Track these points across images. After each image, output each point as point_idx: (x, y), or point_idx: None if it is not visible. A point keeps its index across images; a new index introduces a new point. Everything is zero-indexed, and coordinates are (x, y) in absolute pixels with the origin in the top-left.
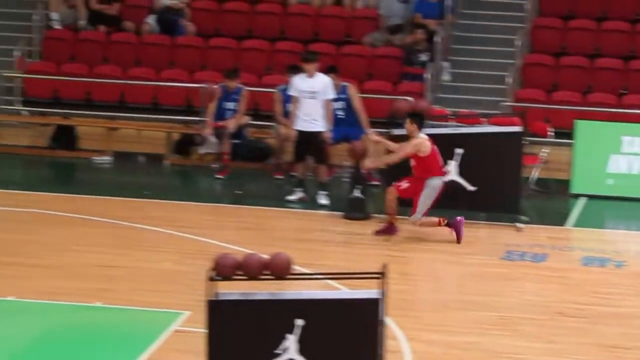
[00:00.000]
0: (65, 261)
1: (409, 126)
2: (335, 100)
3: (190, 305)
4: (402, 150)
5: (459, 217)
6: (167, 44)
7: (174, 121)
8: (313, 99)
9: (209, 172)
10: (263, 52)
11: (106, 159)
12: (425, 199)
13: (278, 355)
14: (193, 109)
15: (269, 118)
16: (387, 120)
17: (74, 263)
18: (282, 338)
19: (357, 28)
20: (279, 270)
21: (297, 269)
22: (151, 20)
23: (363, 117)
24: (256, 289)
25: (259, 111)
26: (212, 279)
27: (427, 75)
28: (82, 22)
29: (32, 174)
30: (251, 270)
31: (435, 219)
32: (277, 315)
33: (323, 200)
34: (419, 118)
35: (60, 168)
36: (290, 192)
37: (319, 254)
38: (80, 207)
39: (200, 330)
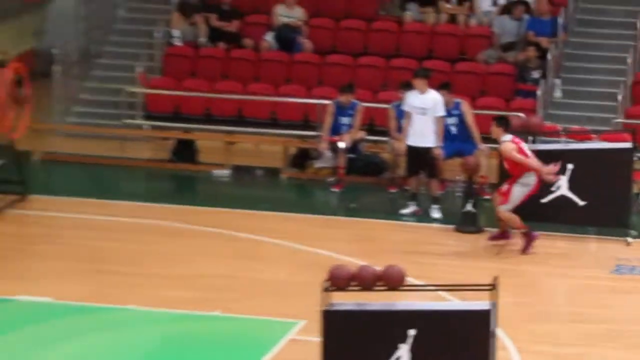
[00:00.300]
0: (184, 271)
1: (496, 129)
2: (449, 116)
3: (305, 315)
4: (526, 161)
5: (536, 233)
6: (285, 60)
7: (290, 136)
8: (424, 115)
9: (324, 185)
10: (378, 69)
11: (225, 172)
12: (519, 192)
13: None
14: (310, 124)
15: (384, 133)
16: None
17: (193, 273)
18: (394, 347)
19: (471, 45)
20: (392, 281)
21: (410, 280)
22: (269, 37)
23: (475, 133)
24: (370, 299)
25: (374, 126)
26: (327, 290)
27: (539, 92)
28: (202, 39)
29: (154, 186)
30: (365, 281)
31: (519, 222)
32: (390, 325)
33: (436, 213)
34: (505, 121)
35: (180, 181)
36: (404, 206)
37: (432, 266)
38: (199, 219)
39: (315, 339)
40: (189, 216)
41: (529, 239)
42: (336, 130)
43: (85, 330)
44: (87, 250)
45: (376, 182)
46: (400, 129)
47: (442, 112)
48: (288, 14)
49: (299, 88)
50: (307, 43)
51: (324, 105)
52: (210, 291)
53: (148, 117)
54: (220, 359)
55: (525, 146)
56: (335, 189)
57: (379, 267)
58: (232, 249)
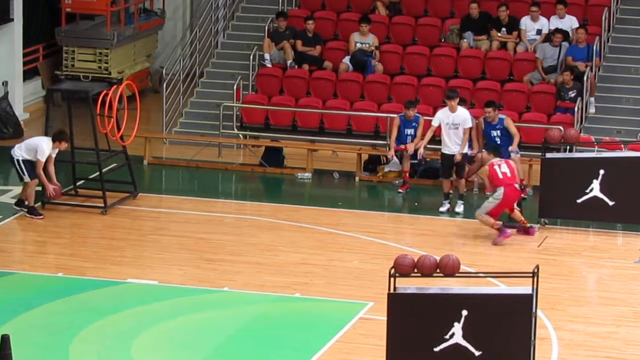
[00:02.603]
0: (272, 259)
1: (486, 155)
2: (494, 129)
3: (373, 298)
4: (484, 174)
5: (509, 230)
6: (360, 80)
7: (363, 144)
8: (456, 129)
9: (392, 187)
10: (439, 88)
11: (307, 175)
12: (489, 203)
13: (446, 340)
14: (380, 134)
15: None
16: (542, 146)
17: (279, 261)
18: (450, 326)
19: (518, 68)
20: (449, 269)
21: (464, 268)
22: (346, 60)
23: (515, 143)
24: (429, 284)
25: (434, 137)
26: (392, 276)
27: (576, 109)
28: (290, 62)
29: (246, 187)
30: (425, 269)
31: (492, 221)
32: (446, 307)
33: (459, 208)
34: (495, 149)
35: (269, 182)
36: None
37: (482, 256)
38: (285, 214)
39: (382, 318)
40: (277, 212)
41: (502, 233)
42: (402, 139)
43: (185, 310)
44: (191, 241)
45: (435, 184)
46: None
47: (469, 124)
48: (362, 41)
49: (371, 104)
50: (378, 65)
51: (392, 119)
52: (293, 276)
53: (242, 128)
54: (300, 334)
55: (502, 169)
56: (401, 190)
57: (437, 257)
58: (312, 241)
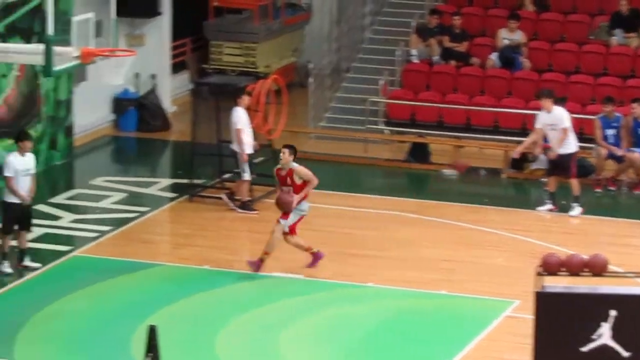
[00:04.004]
0: (416, 255)
1: (288, 156)
2: (611, 127)
3: (519, 296)
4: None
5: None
6: (507, 77)
7: (510, 141)
8: (553, 130)
9: (539, 184)
10: (587, 85)
11: (453, 172)
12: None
13: (594, 340)
14: (527, 131)
15: (591, 140)
16: None
17: (423, 257)
18: (597, 325)
19: None
20: (597, 268)
21: (612, 268)
22: (494, 56)
23: (625, 140)
24: (577, 283)
25: (583, 135)
26: (539, 274)
27: None
28: (436, 58)
29: (392, 182)
30: (573, 267)
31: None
32: (594, 306)
33: (574, 212)
34: (294, 149)
35: (414, 178)
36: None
37: (631, 256)
38: (430, 210)
39: (528, 316)
40: (422, 208)
41: (315, 258)
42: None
43: (331, 304)
44: (336, 236)
45: (584, 182)
46: (605, 138)
47: (565, 124)
48: (510, 37)
49: (518, 100)
50: (526, 62)
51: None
52: (437, 273)
53: (388, 123)
54: (446, 330)
55: None
56: (548, 188)
57: (585, 256)
58: (457, 237)
